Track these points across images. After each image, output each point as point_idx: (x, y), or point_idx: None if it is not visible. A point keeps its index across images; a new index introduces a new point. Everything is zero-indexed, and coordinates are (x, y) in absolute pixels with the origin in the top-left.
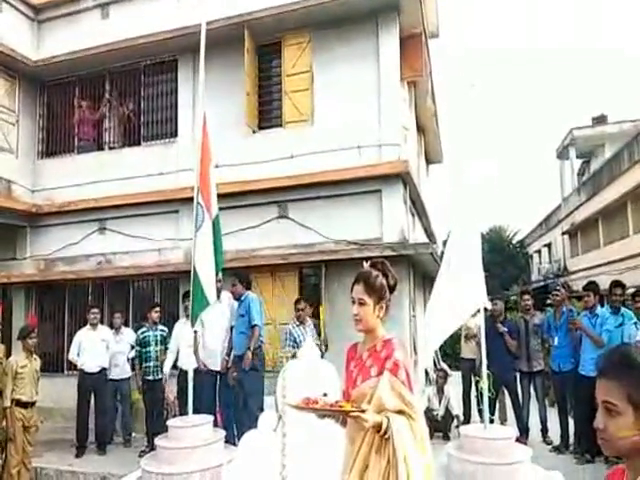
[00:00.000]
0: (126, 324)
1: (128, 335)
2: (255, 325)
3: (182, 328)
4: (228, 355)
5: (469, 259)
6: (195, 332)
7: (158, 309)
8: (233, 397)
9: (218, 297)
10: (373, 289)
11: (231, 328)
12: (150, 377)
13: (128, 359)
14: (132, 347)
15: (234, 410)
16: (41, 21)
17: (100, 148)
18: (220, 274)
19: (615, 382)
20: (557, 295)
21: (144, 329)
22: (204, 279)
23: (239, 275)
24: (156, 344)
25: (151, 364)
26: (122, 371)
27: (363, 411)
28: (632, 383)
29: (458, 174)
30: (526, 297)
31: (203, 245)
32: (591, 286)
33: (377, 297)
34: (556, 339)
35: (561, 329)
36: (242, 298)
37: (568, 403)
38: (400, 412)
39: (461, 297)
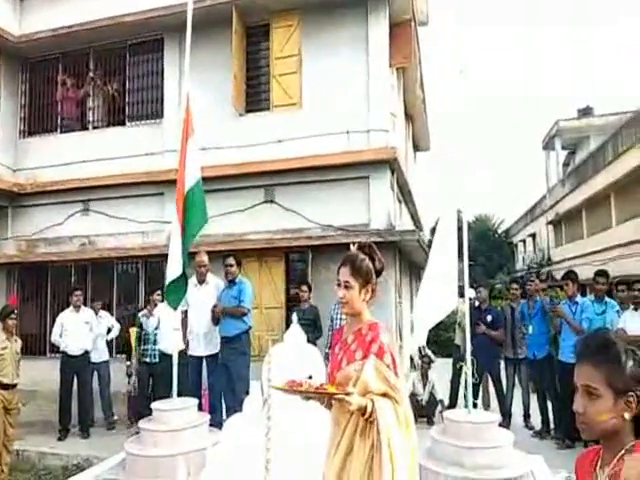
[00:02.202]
0: (109, 306)
1: (105, 317)
2: (244, 308)
3: (163, 311)
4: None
5: (451, 245)
6: (184, 313)
7: (160, 292)
8: (220, 381)
9: (204, 280)
10: (359, 272)
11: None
12: (148, 360)
13: (107, 342)
14: (109, 330)
15: (222, 394)
16: None
17: (84, 127)
18: (205, 258)
19: (595, 366)
20: (531, 285)
21: (145, 311)
22: (172, 251)
23: (236, 257)
24: (156, 327)
25: (149, 347)
26: (101, 354)
27: (348, 394)
28: (611, 367)
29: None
30: (514, 286)
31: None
32: (570, 275)
33: (363, 280)
34: (530, 328)
35: (535, 318)
36: (236, 280)
37: (545, 389)
38: (385, 395)
39: (447, 283)
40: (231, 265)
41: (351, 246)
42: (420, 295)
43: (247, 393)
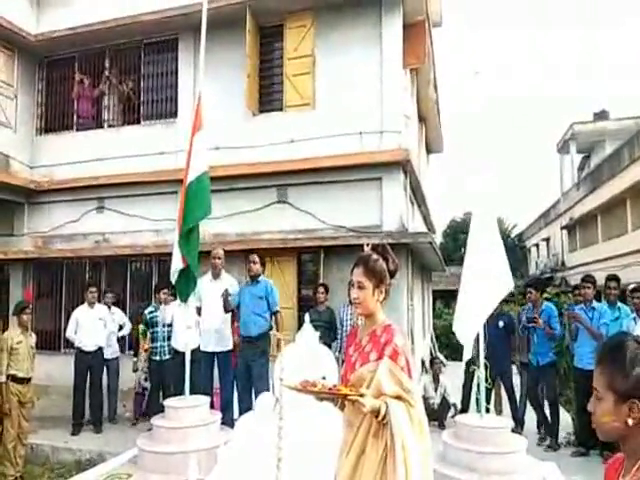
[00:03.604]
0: (124, 303)
1: (118, 315)
2: (278, 311)
3: (176, 309)
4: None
5: (491, 245)
6: (198, 309)
7: (167, 290)
8: (241, 380)
9: (219, 275)
10: (373, 273)
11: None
12: (157, 357)
13: (118, 338)
14: (120, 327)
15: (240, 392)
16: None
17: (99, 126)
18: (220, 251)
19: (599, 369)
20: (530, 294)
21: (152, 309)
22: (174, 245)
23: (260, 255)
24: (164, 325)
25: (158, 344)
26: (113, 350)
27: (362, 395)
28: (613, 370)
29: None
30: (530, 290)
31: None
32: (590, 279)
33: (377, 281)
34: (535, 336)
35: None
36: (259, 279)
37: (545, 396)
38: (399, 398)
39: (490, 282)
40: (254, 262)
41: (365, 247)
42: (462, 292)
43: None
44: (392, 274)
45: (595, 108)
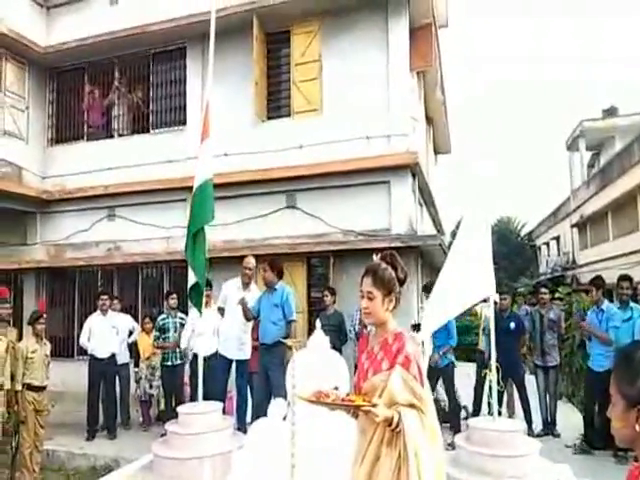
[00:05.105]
0: (135, 310)
1: (127, 320)
2: (293, 320)
3: (195, 315)
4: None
5: (479, 248)
6: (221, 311)
7: (175, 296)
8: (259, 388)
9: (249, 284)
10: (382, 282)
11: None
12: (169, 363)
13: (128, 344)
14: (130, 332)
15: (256, 398)
16: (50, 7)
17: (109, 135)
18: (252, 260)
19: (613, 375)
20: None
21: (164, 315)
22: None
23: (271, 262)
24: (175, 330)
25: (169, 350)
26: (123, 356)
27: (374, 405)
28: (623, 375)
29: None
30: (543, 291)
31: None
32: (597, 281)
33: (386, 290)
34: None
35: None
36: (276, 287)
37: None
38: (411, 406)
39: (468, 284)
40: (264, 270)
41: (374, 256)
42: (438, 284)
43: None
44: (401, 282)
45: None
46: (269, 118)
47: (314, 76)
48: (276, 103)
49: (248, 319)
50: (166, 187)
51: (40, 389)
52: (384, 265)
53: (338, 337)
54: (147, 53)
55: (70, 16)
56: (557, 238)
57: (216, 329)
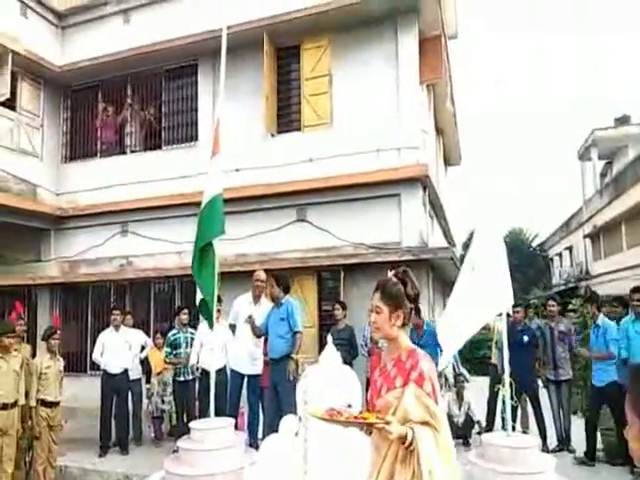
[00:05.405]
0: (147, 325)
1: (139, 335)
2: (298, 332)
3: (207, 329)
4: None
5: (494, 261)
6: (232, 327)
7: (187, 311)
8: (270, 403)
9: (260, 298)
10: (390, 297)
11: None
12: (181, 378)
13: (140, 360)
14: (142, 348)
15: (267, 413)
16: (65, 27)
17: (122, 152)
18: (262, 274)
19: (628, 395)
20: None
21: (175, 331)
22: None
23: (277, 277)
24: (187, 346)
25: (182, 365)
26: (135, 371)
27: (388, 422)
28: (635, 394)
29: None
30: (551, 303)
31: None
32: (591, 296)
33: (393, 305)
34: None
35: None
36: (282, 301)
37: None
38: (425, 424)
39: (484, 299)
40: (271, 285)
41: (388, 272)
42: (452, 302)
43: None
44: (412, 299)
45: (614, 111)
46: (279, 132)
47: (324, 90)
48: (286, 117)
49: (257, 336)
50: (178, 202)
51: (54, 405)
52: (394, 281)
53: (349, 351)
54: (159, 70)
55: (84, 35)
56: (570, 249)
57: (225, 344)
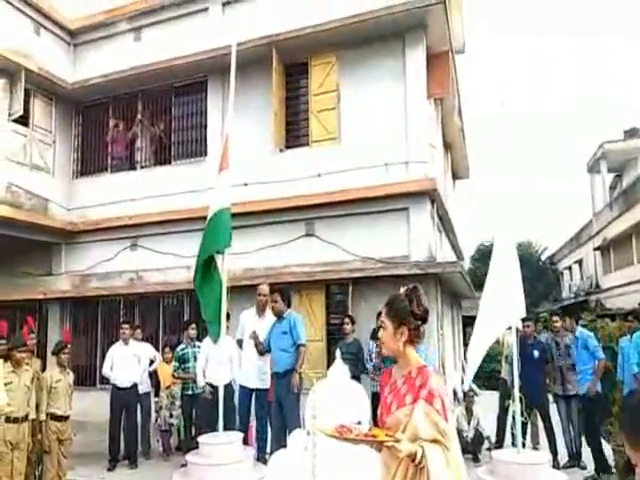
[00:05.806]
0: (156, 339)
1: (148, 349)
2: (302, 345)
3: (211, 343)
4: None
5: (507, 271)
6: (239, 342)
7: (194, 326)
8: (276, 417)
9: (264, 311)
10: (394, 314)
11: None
12: (189, 392)
13: (149, 373)
14: (151, 361)
15: (273, 428)
16: (77, 44)
17: (132, 167)
18: (265, 287)
19: (623, 431)
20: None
21: (183, 345)
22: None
23: (281, 292)
24: (195, 360)
25: (190, 380)
26: (144, 385)
27: (398, 440)
28: (626, 425)
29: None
30: (555, 318)
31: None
32: (568, 310)
33: (397, 321)
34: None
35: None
36: (284, 315)
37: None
38: (435, 441)
39: (497, 310)
40: (275, 301)
41: (401, 288)
42: (479, 318)
43: (299, 428)
44: (417, 317)
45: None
46: (288, 147)
47: (332, 106)
48: (295, 133)
49: (261, 353)
50: (187, 217)
51: (63, 419)
52: (402, 297)
53: (357, 366)
54: (169, 87)
55: (95, 53)
56: (580, 262)
57: (231, 358)
